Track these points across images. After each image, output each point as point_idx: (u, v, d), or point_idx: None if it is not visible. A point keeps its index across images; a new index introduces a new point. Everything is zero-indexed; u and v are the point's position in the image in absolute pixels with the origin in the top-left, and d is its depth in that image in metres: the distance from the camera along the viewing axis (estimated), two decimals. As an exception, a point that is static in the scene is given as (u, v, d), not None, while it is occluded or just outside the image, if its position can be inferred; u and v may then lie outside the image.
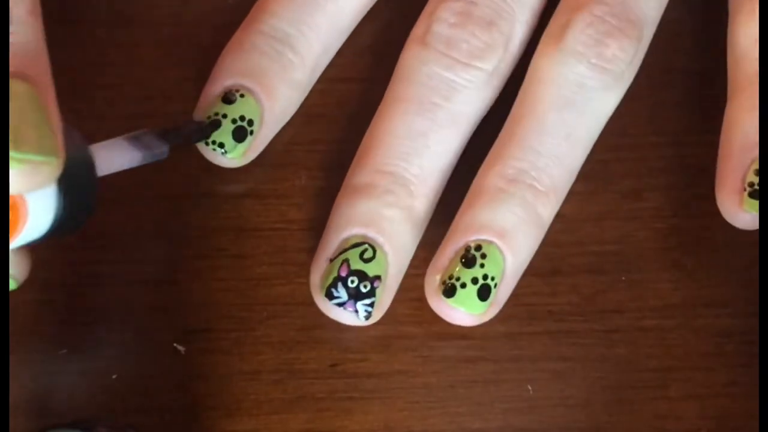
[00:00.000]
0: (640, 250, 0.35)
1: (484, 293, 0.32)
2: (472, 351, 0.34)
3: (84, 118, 0.33)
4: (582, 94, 0.34)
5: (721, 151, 0.35)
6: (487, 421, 0.33)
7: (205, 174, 0.35)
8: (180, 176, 0.35)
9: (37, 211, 0.27)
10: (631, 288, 0.34)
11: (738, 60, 0.35)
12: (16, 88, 0.25)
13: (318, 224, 0.35)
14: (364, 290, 0.32)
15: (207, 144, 0.34)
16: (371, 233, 0.33)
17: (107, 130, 0.31)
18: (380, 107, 0.34)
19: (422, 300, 0.34)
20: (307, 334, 0.33)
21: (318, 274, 0.33)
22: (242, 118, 0.34)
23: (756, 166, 0.33)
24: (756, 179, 0.33)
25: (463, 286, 0.32)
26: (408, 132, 0.33)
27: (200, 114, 0.34)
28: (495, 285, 0.32)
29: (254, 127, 0.34)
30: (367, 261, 0.32)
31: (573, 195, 0.35)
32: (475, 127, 0.35)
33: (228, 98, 0.34)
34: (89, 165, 0.29)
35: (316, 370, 0.33)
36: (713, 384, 0.33)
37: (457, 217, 0.33)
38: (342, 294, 0.32)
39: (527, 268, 0.34)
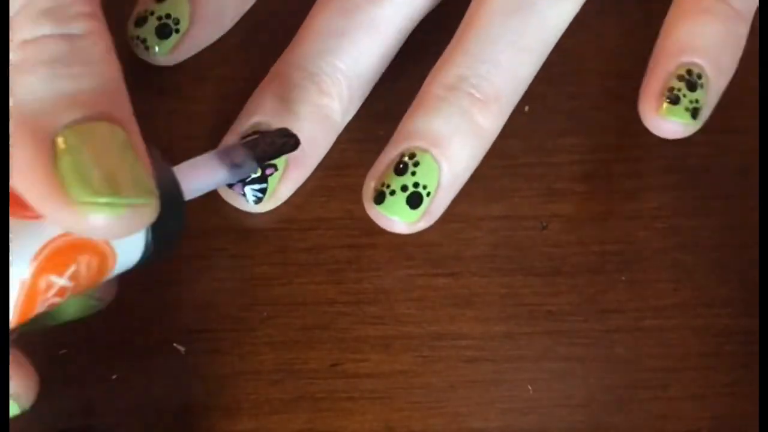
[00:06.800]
0: (640, 250, 0.35)
1: (414, 201, 0.32)
2: (472, 351, 0.34)
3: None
4: (530, 1, 0.33)
5: (651, 57, 0.34)
6: (487, 421, 0.33)
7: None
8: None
9: (124, 249, 0.27)
10: (631, 288, 0.34)
11: None
12: (103, 130, 0.24)
13: (318, 224, 0.35)
14: (254, 175, 0.33)
15: (131, 38, 0.35)
16: (275, 124, 0.33)
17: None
18: (314, 5, 0.35)
19: (422, 300, 0.34)
20: (307, 334, 0.33)
21: None
22: (168, 15, 0.35)
23: (681, 71, 0.33)
24: (678, 84, 0.32)
25: (393, 193, 0.32)
26: (327, 30, 0.34)
27: (136, 12, 0.35)
28: (428, 194, 0.32)
29: (180, 26, 0.35)
30: None
31: (573, 195, 0.35)
32: (400, 37, 0.35)
33: None
34: (176, 190, 0.28)
35: (316, 370, 0.33)
36: (713, 384, 0.33)
37: (399, 125, 0.33)
38: None
39: (527, 268, 0.34)
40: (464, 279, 0.34)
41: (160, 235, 0.25)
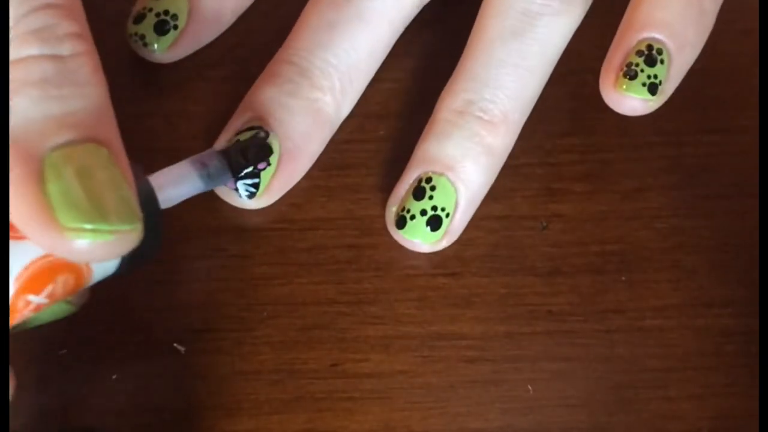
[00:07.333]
0: (640, 250, 0.35)
1: (434, 224, 0.33)
2: (472, 351, 0.34)
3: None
4: (528, 22, 0.33)
5: (617, 33, 0.33)
6: (487, 421, 0.33)
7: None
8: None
9: (100, 264, 0.27)
10: (631, 288, 0.34)
11: None
12: (91, 152, 0.24)
13: (318, 224, 0.35)
14: (246, 170, 0.33)
15: (130, 35, 0.35)
16: (268, 120, 0.33)
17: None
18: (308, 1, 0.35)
19: (422, 300, 0.34)
20: (307, 334, 0.33)
21: None
22: (166, 12, 0.35)
23: (641, 46, 0.32)
24: (636, 60, 0.32)
25: (413, 217, 0.33)
26: (318, 24, 0.34)
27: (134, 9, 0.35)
28: (447, 215, 0.33)
29: (178, 23, 0.35)
30: None
31: (573, 195, 0.35)
32: (393, 29, 0.35)
33: None
34: (154, 203, 0.28)
35: (316, 370, 0.33)
36: (713, 384, 0.33)
37: (414, 151, 0.34)
38: None
39: (527, 268, 0.34)
40: (464, 279, 0.34)
41: (136, 247, 0.25)
